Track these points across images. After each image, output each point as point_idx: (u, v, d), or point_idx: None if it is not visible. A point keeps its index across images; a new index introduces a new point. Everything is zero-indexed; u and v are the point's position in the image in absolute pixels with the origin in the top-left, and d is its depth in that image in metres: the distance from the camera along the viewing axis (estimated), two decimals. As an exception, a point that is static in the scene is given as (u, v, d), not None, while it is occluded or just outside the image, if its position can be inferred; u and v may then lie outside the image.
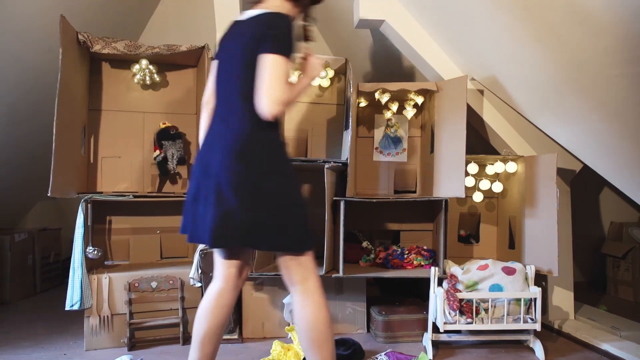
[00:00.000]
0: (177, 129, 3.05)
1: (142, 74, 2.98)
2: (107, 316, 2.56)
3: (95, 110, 2.99)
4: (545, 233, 2.59)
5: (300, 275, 1.70)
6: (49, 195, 2.32)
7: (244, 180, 1.60)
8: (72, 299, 2.47)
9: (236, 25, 1.78)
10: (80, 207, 2.56)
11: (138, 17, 4.01)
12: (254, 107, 1.60)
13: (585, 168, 2.91)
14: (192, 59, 3.06)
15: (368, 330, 2.84)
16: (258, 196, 1.60)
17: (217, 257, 1.79)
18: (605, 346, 2.51)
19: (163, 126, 3.03)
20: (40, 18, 2.73)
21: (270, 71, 1.57)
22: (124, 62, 3.01)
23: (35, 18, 2.72)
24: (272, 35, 1.61)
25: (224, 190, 1.59)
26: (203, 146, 1.75)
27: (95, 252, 2.62)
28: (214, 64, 1.82)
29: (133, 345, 2.58)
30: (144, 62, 2.94)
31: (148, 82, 3.02)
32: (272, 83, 1.56)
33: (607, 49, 1.85)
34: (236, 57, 1.69)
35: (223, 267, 1.78)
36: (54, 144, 2.32)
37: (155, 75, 3.01)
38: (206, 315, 1.74)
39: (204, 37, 3.08)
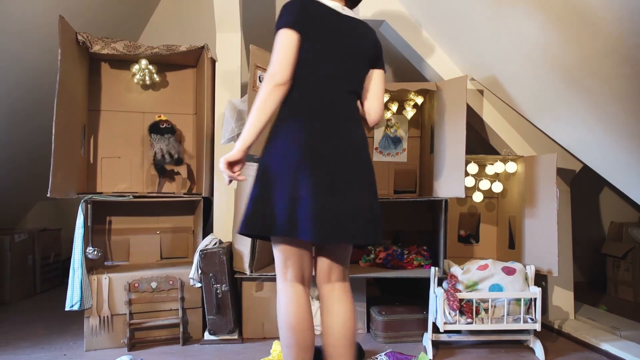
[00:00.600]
0: (170, 123, 3.02)
1: (141, 74, 2.97)
2: (107, 316, 2.56)
3: (95, 110, 3.00)
4: (545, 233, 2.59)
5: (345, 273, 1.76)
6: (48, 195, 2.32)
7: (371, 175, 1.73)
8: (72, 300, 2.47)
9: (340, 18, 1.72)
10: (80, 207, 2.56)
11: (138, 17, 4.01)
12: (359, 109, 1.83)
13: (585, 168, 2.91)
14: (192, 59, 3.06)
15: (368, 331, 2.84)
16: (375, 191, 1.73)
17: (308, 256, 1.70)
18: (605, 346, 2.51)
19: (157, 119, 3.02)
20: (40, 18, 2.73)
21: (384, 88, 1.87)
22: (123, 62, 3.01)
23: (35, 18, 2.72)
24: (382, 52, 1.87)
25: (361, 184, 1.66)
26: (325, 135, 1.63)
27: (95, 252, 2.62)
28: (295, 38, 1.62)
29: (133, 345, 2.57)
30: (144, 62, 2.94)
31: (148, 82, 3.02)
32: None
33: (606, 49, 1.85)
34: (359, 57, 1.76)
35: (316, 267, 1.75)
36: (53, 145, 2.32)
37: (155, 75, 3.01)
38: (309, 324, 1.64)
39: (203, 37, 3.08)
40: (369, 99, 1.82)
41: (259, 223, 1.60)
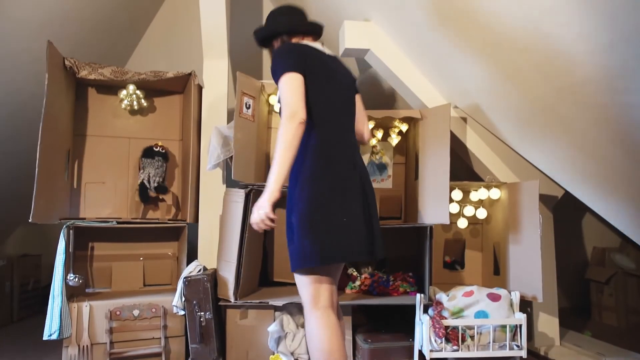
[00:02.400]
0: (165, 148, 3.02)
1: (129, 100, 2.98)
2: (87, 346, 2.50)
3: (81, 135, 2.98)
4: (529, 259, 2.61)
5: None
6: (30, 221, 2.28)
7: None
8: (51, 328, 2.41)
9: (327, 58, 1.92)
10: (62, 233, 2.53)
11: (126, 43, 4.03)
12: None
13: (567, 194, 2.96)
14: (179, 85, 3.07)
15: (354, 358, 2.80)
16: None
17: (332, 282, 1.79)
18: (591, 373, 2.51)
19: (152, 145, 3.02)
20: (28, 42, 2.73)
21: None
22: (110, 87, 3.01)
23: (23, 42, 2.73)
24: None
25: (375, 205, 1.89)
26: (348, 164, 1.82)
27: (76, 279, 2.57)
28: (302, 79, 1.75)
29: (113, 375, 2.51)
30: (131, 87, 2.95)
31: (135, 108, 3.02)
32: None
33: (582, 80, 1.91)
34: (352, 95, 2.00)
35: (334, 292, 1.81)
36: (37, 169, 2.29)
37: (142, 101, 3.01)
38: (345, 349, 1.70)
39: (190, 64, 3.10)
40: (359, 122, 2.05)
41: (339, 251, 1.71)
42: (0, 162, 3.25)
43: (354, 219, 1.74)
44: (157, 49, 4.13)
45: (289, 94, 1.71)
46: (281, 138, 1.66)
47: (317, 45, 1.93)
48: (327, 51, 1.95)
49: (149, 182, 2.94)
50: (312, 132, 1.76)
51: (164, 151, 3.01)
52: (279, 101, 1.97)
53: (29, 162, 2.52)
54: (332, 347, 1.63)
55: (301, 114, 1.69)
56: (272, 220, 1.66)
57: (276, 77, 1.77)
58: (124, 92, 2.96)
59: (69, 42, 2.98)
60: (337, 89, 1.88)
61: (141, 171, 2.96)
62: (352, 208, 1.75)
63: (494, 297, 2.48)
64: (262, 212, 1.64)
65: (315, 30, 2.03)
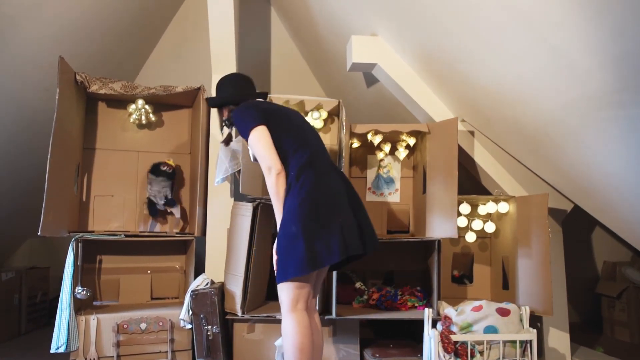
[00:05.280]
0: (172, 168, 3.02)
1: (137, 114, 3.00)
2: (94, 359, 2.49)
3: (90, 149, 3.01)
4: (538, 273, 2.59)
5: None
6: (39, 234, 2.30)
7: None
8: (58, 341, 2.41)
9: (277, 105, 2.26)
10: (70, 246, 2.54)
11: (136, 58, 4.09)
12: None
13: (577, 207, 2.94)
14: (188, 99, 3.10)
15: (362, 374, 2.78)
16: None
17: (311, 287, 1.97)
18: (603, 390, 2.46)
19: (163, 161, 3.03)
20: (39, 58, 2.78)
21: None
22: (120, 101, 3.04)
23: (34, 58, 2.77)
24: None
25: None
26: (332, 180, 2.02)
27: (84, 292, 2.58)
28: (266, 130, 1.98)
29: (119, 390, 2.50)
30: (140, 102, 2.97)
31: (144, 122, 3.04)
32: None
33: (593, 93, 1.90)
34: (309, 125, 2.25)
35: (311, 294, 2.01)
36: (46, 183, 2.31)
37: (151, 115, 3.03)
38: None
39: (199, 78, 3.13)
40: None
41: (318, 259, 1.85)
42: (10, 175, 3.28)
43: (345, 222, 1.92)
44: (166, 63, 4.18)
45: (260, 148, 1.96)
46: (270, 190, 1.94)
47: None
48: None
49: (155, 197, 2.96)
50: (291, 164, 1.96)
51: (170, 171, 3.00)
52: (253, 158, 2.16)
53: (38, 175, 2.54)
54: (305, 344, 1.87)
55: (277, 166, 1.93)
56: None
57: (245, 136, 2.01)
58: (132, 107, 2.98)
59: (81, 57, 3.03)
60: (299, 122, 2.14)
61: (149, 187, 2.97)
62: (341, 214, 1.92)
63: (503, 312, 2.46)
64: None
65: (261, 98, 2.29)
